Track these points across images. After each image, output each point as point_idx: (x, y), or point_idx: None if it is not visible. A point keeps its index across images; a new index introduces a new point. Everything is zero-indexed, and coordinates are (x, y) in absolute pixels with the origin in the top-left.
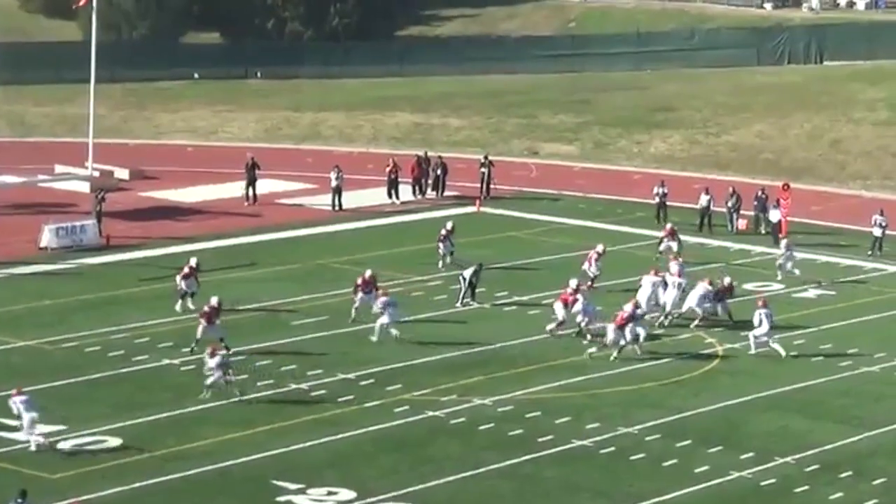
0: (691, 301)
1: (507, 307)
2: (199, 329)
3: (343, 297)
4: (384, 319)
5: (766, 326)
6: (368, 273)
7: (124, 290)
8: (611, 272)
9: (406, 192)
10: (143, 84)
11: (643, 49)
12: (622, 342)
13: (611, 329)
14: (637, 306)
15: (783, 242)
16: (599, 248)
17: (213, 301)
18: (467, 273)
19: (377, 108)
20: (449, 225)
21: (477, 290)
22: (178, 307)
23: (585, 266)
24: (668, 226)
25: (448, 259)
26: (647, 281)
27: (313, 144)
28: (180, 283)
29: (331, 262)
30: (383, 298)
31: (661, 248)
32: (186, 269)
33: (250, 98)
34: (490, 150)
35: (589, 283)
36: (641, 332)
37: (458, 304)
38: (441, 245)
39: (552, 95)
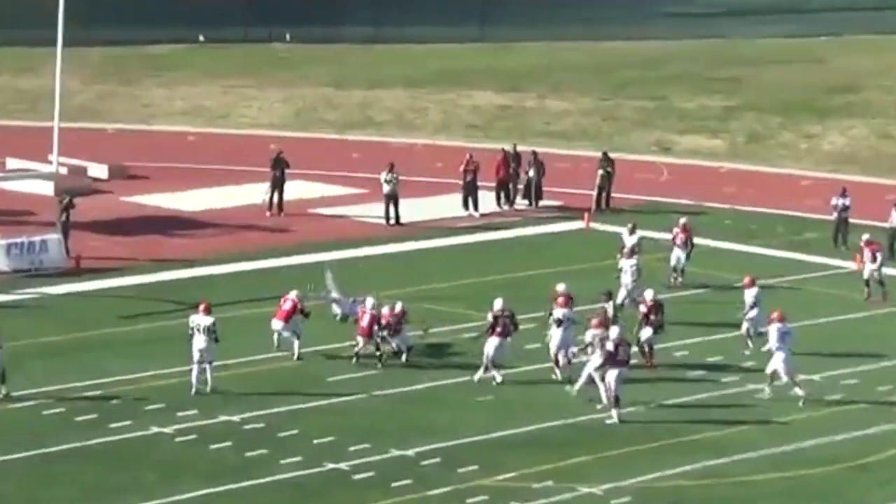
0: None
1: None
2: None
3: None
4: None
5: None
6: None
7: (99, 331)
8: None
9: (488, 200)
10: (128, 48)
11: (814, 7)
12: None
13: None
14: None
15: None
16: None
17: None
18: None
19: (449, 85)
20: (398, 307)
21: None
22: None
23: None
24: (682, 221)
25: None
26: None
27: (361, 134)
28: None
29: (383, 294)
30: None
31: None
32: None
33: (276, 69)
34: (604, 143)
35: None
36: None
37: None
38: (381, 338)
39: (689, 70)
